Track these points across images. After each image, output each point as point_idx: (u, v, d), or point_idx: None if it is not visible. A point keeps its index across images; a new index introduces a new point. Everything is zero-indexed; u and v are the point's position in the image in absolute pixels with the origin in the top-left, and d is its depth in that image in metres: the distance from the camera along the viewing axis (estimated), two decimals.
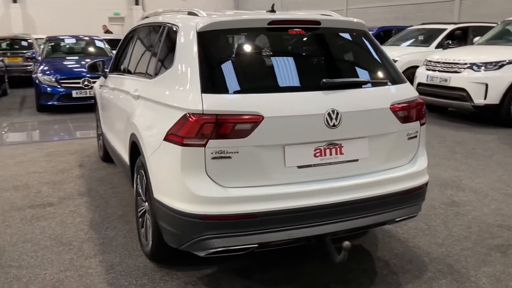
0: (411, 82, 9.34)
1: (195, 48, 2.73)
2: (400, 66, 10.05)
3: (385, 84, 2.98)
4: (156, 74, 3.21)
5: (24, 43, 14.16)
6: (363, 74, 3.05)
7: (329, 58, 3.14)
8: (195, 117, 2.50)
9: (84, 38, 11.52)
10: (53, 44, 11.03)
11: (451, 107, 8.87)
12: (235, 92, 2.61)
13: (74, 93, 9.15)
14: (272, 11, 3.22)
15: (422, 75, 8.90)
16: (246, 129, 2.52)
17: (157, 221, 2.86)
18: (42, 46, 11.24)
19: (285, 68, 2.81)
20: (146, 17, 4.37)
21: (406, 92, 3.00)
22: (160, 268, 3.18)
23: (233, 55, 2.82)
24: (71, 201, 4.48)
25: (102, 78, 5.28)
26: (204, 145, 2.49)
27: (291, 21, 2.96)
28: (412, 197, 3.00)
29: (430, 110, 9.21)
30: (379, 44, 3.21)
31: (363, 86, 2.89)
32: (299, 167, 2.67)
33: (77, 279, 3.06)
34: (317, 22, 3.00)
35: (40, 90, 9.28)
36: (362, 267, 3.23)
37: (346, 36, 3.18)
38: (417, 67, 9.38)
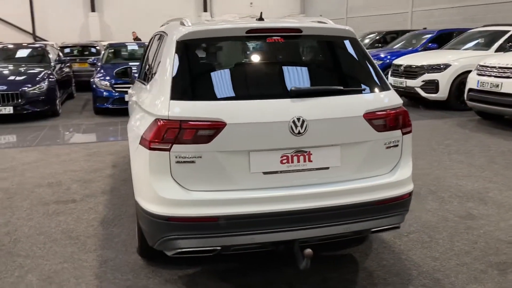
0: (463, 88, 8.93)
1: (172, 57, 2.86)
2: (454, 71, 9.64)
3: (360, 92, 2.93)
4: (148, 81, 3.39)
5: (92, 50, 15.14)
6: (338, 82, 3.03)
7: (306, 66, 3.14)
8: (161, 122, 2.63)
9: (144, 44, 12.11)
10: (112, 50, 11.73)
11: (506, 115, 8.35)
12: (200, 99, 2.70)
13: (126, 97, 9.66)
14: (261, 19, 3.27)
15: (472, 80, 8.46)
16: (208, 135, 2.61)
17: (138, 221, 3.03)
18: (103, 52, 11.98)
19: (255, 76, 2.86)
20: (163, 25, 4.58)
21: (385, 100, 2.93)
22: (148, 265, 3.34)
23: (206, 64, 2.92)
24: (93, 198, 4.79)
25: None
26: (169, 150, 2.61)
27: (271, 29, 3.00)
28: (390, 208, 2.92)
29: (483, 118, 8.75)
30: (366, 51, 3.16)
31: (336, 93, 2.87)
32: (265, 173, 2.72)
33: (71, 270, 3.30)
34: (298, 30, 3.02)
35: (96, 94, 9.91)
36: (344, 276, 3.19)
37: (330, 43, 3.17)
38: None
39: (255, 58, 3.06)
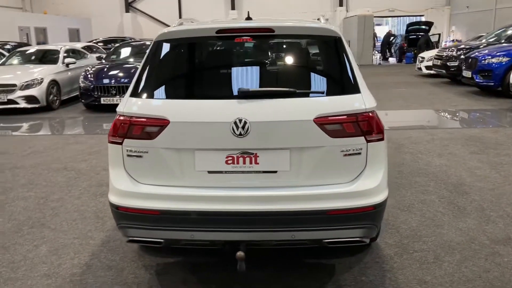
0: None
1: (145, 56, 3.05)
2: None
3: (315, 94, 2.77)
4: None
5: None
6: (298, 84, 2.87)
7: (268, 66, 3.05)
8: (117, 117, 2.83)
9: None
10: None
11: None
12: (150, 97, 2.83)
13: None
14: (248, 18, 3.27)
15: None
16: (153, 132, 2.73)
17: None
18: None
19: (208, 77, 2.88)
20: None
21: (344, 104, 2.72)
22: (140, 250, 3.59)
23: (169, 63, 3.02)
24: None
25: None
26: (121, 143, 2.81)
27: (241, 29, 2.99)
28: (347, 219, 2.73)
29: None
30: (346, 51, 2.95)
31: (287, 96, 2.75)
32: (210, 172, 2.75)
33: (76, 246, 3.71)
34: (270, 30, 2.96)
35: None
36: (310, 286, 3.06)
37: (305, 43, 3.04)
38: None
39: (217, 58, 3.08)
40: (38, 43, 22.69)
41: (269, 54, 3.10)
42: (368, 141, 2.73)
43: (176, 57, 3.05)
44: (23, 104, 10.35)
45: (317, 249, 3.42)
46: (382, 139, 2.78)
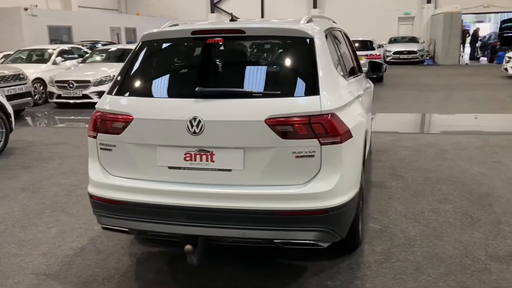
0: None
1: (129, 56, 3.25)
2: None
3: (270, 95, 2.77)
4: None
5: None
6: (253, 85, 2.88)
7: (232, 67, 3.08)
8: (93, 113, 3.06)
9: None
10: None
11: None
12: (121, 95, 3.02)
13: None
14: (232, 20, 3.35)
15: None
16: (119, 127, 2.92)
17: None
18: None
19: (173, 76, 3.00)
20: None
21: (297, 105, 2.70)
22: (133, 239, 3.81)
23: (145, 63, 3.17)
24: None
25: None
26: (95, 137, 3.03)
27: (214, 31, 3.08)
28: (297, 221, 2.71)
29: None
30: (316, 52, 2.92)
31: (243, 96, 2.79)
32: (170, 167, 2.87)
33: (82, 230, 4.02)
34: (241, 31, 3.02)
35: None
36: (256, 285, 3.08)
37: (275, 44, 3.05)
38: None
39: (186, 59, 3.19)
40: (128, 43, 24.27)
41: (237, 55, 3.15)
42: (322, 144, 2.69)
43: (151, 57, 3.21)
44: (95, 99, 11.21)
45: (295, 250, 3.41)
46: (338, 142, 2.72)
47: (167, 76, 3.12)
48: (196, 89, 2.82)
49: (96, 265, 3.40)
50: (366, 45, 15.53)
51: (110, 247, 3.68)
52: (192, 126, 2.75)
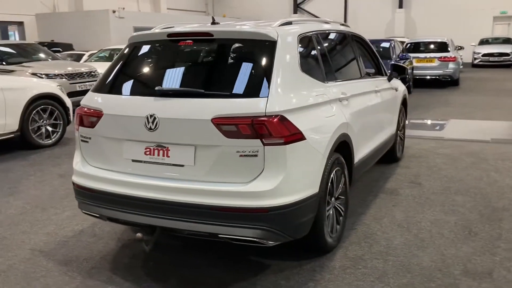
0: None
1: (117, 56, 3.53)
2: None
3: (219, 96, 2.87)
4: None
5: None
6: (207, 85, 3.00)
7: (194, 67, 3.22)
8: (78, 108, 3.38)
9: (371, 40, 12.15)
10: None
11: None
12: (98, 92, 3.29)
13: None
14: (214, 23, 3.50)
15: None
16: (93, 121, 3.20)
17: None
18: None
19: (141, 75, 3.21)
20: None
21: (242, 106, 2.78)
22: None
23: (123, 63, 3.41)
24: None
25: None
26: (78, 130, 3.35)
27: (186, 34, 3.26)
28: (239, 218, 2.80)
29: None
30: (276, 56, 2.98)
31: (196, 96, 2.92)
32: (133, 160, 3.10)
33: (84, 222, 4.40)
34: (209, 34, 3.17)
35: None
36: (212, 278, 3.18)
37: (240, 47, 3.14)
38: None
39: (157, 59, 3.37)
40: None
41: (201, 56, 3.29)
42: (265, 145, 2.76)
43: (132, 58, 3.45)
44: None
45: (269, 248, 3.49)
46: (282, 144, 2.77)
47: (137, 75, 3.35)
48: (156, 88, 3.02)
49: (85, 247, 3.73)
50: (440, 46, 14.74)
51: (105, 232, 4.01)
52: (148, 122, 2.95)
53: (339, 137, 3.40)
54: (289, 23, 3.48)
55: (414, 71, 14.15)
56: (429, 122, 9.25)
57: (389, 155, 5.80)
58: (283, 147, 2.79)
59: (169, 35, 3.28)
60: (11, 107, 6.73)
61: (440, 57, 14.14)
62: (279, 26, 3.30)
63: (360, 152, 4.06)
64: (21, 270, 3.37)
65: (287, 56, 3.09)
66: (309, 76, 3.29)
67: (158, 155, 3.01)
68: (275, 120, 2.76)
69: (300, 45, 3.32)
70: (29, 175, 5.82)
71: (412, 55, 14.28)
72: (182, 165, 2.95)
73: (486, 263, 3.31)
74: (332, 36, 4.14)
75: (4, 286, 3.15)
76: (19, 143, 7.12)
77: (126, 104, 3.12)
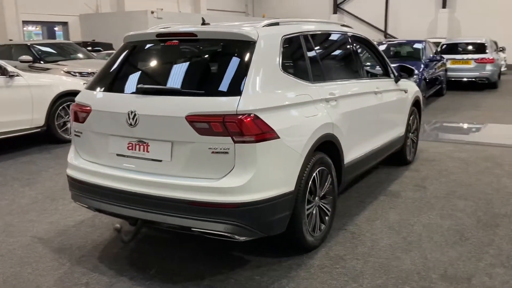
0: None
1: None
2: None
3: (195, 94, 2.97)
4: None
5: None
6: (185, 84, 3.10)
7: (175, 66, 3.32)
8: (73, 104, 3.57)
9: (402, 42, 11.97)
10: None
11: None
12: (90, 89, 3.46)
13: None
14: (204, 23, 3.61)
15: None
16: (84, 117, 3.38)
17: None
18: None
19: (127, 73, 3.35)
20: None
21: (215, 104, 2.87)
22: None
23: (115, 61, 3.56)
24: None
25: None
26: (72, 125, 3.54)
27: (172, 34, 3.38)
28: (209, 212, 2.89)
29: None
30: (257, 56, 3.06)
31: (174, 93, 3.03)
32: (117, 155, 3.25)
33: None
34: (193, 34, 3.29)
35: None
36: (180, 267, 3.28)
37: (222, 47, 3.23)
38: None
39: (143, 58, 3.51)
40: None
41: (185, 56, 3.41)
42: (235, 142, 2.83)
43: (124, 56, 3.60)
44: None
45: (250, 244, 3.56)
46: (253, 142, 2.84)
47: (125, 73, 3.50)
48: (138, 86, 3.16)
49: (81, 236, 3.92)
50: (478, 47, 14.26)
51: (103, 223, 4.19)
52: (129, 118, 3.09)
53: (321, 137, 3.42)
54: (276, 24, 3.53)
55: (449, 73, 13.78)
56: (453, 125, 9.02)
57: (398, 157, 5.74)
58: (253, 145, 2.85)
59: (158, 35, 3.41)
60: (38, 103, 7.10)
61: (477, 59, 13.68)
62: (263, 27, 3.36)
63: (352, 153, 4.05)
64: (18, 255, 3.60)
65: (266, 57, 3.16)
66: (291, 76, 3.34)
67: (139, 150, 3.14)
68: (245, 119, 2.83)
69: (283, 46, 3.37)
70: (49, 167, 6.14)
71: (447, 56, 13.90)
72: (160, 160, 3.07)
73: (468, 269, 3.25)
74: (324, 37, 4.15)
75: None
76: (46, 138, 7.49)
77: (111, 100, 3.28)
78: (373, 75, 5.01)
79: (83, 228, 4.11)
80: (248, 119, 2.84)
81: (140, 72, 3.46)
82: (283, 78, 3.25)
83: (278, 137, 2.99)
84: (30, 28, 20.83)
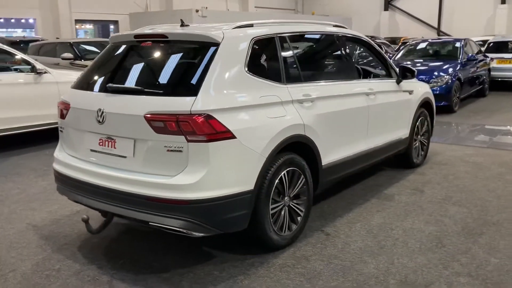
0: None
1: None
2: None
3: (155, 94, 3.10)
4: None
5: None
6: (148, 83, 3.24)
7: (143, 67, 3.49)
8: None
9: (440, 40, 11.53)
10: (411, 47, 11.71)
11: None
12: (72, 87, 3.68)
13: None
14: (183, 25, 3.74)
15: None
16: (65, 113, 3.61)
17: None
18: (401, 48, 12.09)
19: (104, 73, 3.53)
20: None
21: (171, 104, 2.98)
22: None
23: (99, 61, 3.75)
24: None
25: None
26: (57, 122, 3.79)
27: (147, 35, 3.53)
28: (163, 208, 3.01)
29: None
30: (221, 58, 3.16)
31: (138, 93, 3.17)
32: (91, 150, 3.44)
33: None
34: (164, 36, 3.42)
35: None
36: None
37: (189, 48, 3.34)
38: None
39: (120, 58, 3.65)
40: None
41: (155, 56, 3.55)
42: (188, 141, 2.94)
43: (105, 56, 3.79)
44: None
45: (221, 240, 3.67)
46: (206, 141, 2.93)
47: (103, 72, 3.67)
48: (107, 85, 3.34)
49: (72, 226, 4.17)
50: None
51: (96, 214, 4.39)
52: (98, 116, 3.27)
53: (288, 138, 3.45)
54: (250, 25, 3.59)
55: (494, 73, 13.15)
56: (481, 127, 8.63)
57: (403, 160, 5.63)
58: (206, 145, 2.95)
59: (135, 36, 3.57)
60: None
61: None
62: (233, 28, 3.44)
63: (333, 155, 4.04)
64: (10, 240, 3.89)
65: (230, 58, 3.23)
66: (258, 78, 3.39)
67: (108, 146, 3.32)
68: (198, 118, 2.93)
69: (253, 48, 3.42)
70: None
71: (493, 55, 13.27)
72: (125, 157, 3.23)
73: (430, 276, 3.19)
74: (306, 38, 4.15)
75: None
76: None
77: (85, 98, 3.48)
78: (369, 76, 4.93)
79: (76, 218, 4.35)
80: (201, 119, 2.94)
81: (113, 71, 3.64)
82: (248, 79, 3.31)
83: (235, 137, 3.06)
84: (88, 26, 21.94)
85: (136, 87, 3.26)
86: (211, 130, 2.95)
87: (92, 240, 3.86)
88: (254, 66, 3.39)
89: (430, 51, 11.65)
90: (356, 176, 5.26)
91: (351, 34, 4.66)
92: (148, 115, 3.03)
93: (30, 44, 12.95)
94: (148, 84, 3.29)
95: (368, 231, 3.94)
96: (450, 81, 9.74)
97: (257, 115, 3.28)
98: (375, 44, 5.04)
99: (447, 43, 11.61)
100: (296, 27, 4.03)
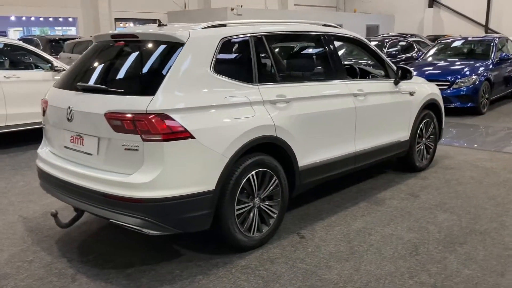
0: None
1: None
2: None
3: (117, 93, 3.16)
4: None
5: None
6: (112, 83, 3.29)
7: (111, 66, 3.56)
8: None
9: (472, 39, 11.05)
10: (442, 46, 11.27)
11: None
12: (54, 86, 3.80)
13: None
14: (160, 25, 3.79)
15: None
16: (45, 111, 3.74)
17: None
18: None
19: (78, 71, 3.62)
20: None
21: (129, 103, 3.03)
22: None
23: (79, 60, 3.85)
24: None
25: None
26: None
27: (120, 35, 3.61)
28: (120, 206, 3.06)
29: None
30: (184, 58, 3.18)
31: (104, 92, 3.24)
32: (65, 147, 3.55)
33: None
34: (134, 36, 3.48)
35: None
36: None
37: (158, 48, 3.37)
38: None
39: (98, 57, 3.72)
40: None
41: (124, 56, 3.61)
42: (144, 140, 2.98)
43: (85, 56, 3.87)
44: None
45: (191, 239, 3.70)
46: (160, 141, 2.96)
47: (78, 71, 3.75)
48: (77, 84, 3.43)
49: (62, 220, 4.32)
50: None
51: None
52: (67, 113, 3.38)
53: (256, 139, 3.42)
54: (223, 25, 3.59)
55: None
56: (503, 131, 8.19)
57: (404, 163, 5.46)
58: (161, 144, 2.97)
59: (112, 36, 3.65)
60: None
61: None
62: (202, 28, 3.45)
63: (313, 157, 3.97)
64: None
65: (194, 58, 3.24)
66: (224, 78, 3.37)
67: (77, 143, 3.41)
68: (153, 118, 2.96)
69: (221, 48, 3.42)
70: None
71: None
72: (91, 154, 3.31)
73: (392, 285, 3.08)
74: (284, 38, 4.08)
75: None
76: None
77: (59, 96, 3.60)
78: (367, 77, 4.80)
79: (67, 213, 4.46)
80: (156, 119, 2.97)
81: (86, 70, 3.72)
82: (213, 79, 3.31)
83: (193, 137, 3.07)
84: (127, 25, 22.54)
85: (100, 86, 3.34)
86: (166, 130, 2.98)
87: (72, 234, 3.99)
88: (222, 66, 3.39)
89: (462, 50, 11.19)
90: (352, 178, 5.16)
91: (341, 34, 4.55)
92: (108, 114, 3.10)
93: (66, 42, 13.48)
94: (112, 83, 3.37)
95: (345, 235, 3.85)
96: (477, 81, 9.32)
97: (220, 115, 3.27)
98: (371, 44, 4.90)
99: (479, 41, 11.10)
100: (275, 27, 3.98)
